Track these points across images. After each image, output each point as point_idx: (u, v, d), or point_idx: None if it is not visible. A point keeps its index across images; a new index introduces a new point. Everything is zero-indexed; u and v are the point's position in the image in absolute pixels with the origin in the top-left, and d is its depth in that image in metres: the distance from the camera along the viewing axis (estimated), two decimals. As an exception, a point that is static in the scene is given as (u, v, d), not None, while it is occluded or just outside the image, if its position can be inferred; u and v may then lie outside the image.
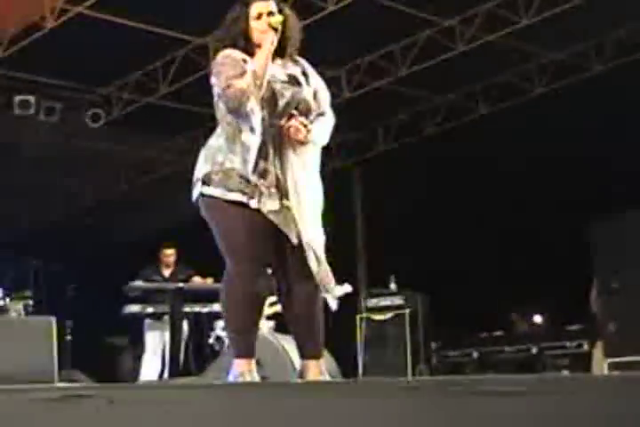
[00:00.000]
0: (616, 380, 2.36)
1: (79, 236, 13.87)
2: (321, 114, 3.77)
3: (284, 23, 3.71)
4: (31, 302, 7.92)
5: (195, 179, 3.68)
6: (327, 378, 3.71)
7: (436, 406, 2.12)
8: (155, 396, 2.09)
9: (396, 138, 12.09)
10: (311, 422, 2.08)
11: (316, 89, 3.78)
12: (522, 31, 9.26)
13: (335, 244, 3.73)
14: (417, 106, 11.56)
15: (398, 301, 9.56)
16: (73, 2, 8.61)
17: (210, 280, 7.94)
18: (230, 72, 3.59)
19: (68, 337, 9.11)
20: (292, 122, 3.61)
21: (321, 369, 3.66)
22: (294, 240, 3.57)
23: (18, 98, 9.96)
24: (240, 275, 3.60)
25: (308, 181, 3.64)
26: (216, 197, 3.59)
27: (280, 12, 3.73)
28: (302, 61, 3.83)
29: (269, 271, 3.72)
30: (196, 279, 8.35)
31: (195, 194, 3.68)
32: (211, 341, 7.17)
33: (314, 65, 3.85)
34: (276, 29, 3.66)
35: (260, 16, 3.69)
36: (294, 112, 3.64)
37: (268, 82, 3.61)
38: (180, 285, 7.93)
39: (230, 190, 3.57)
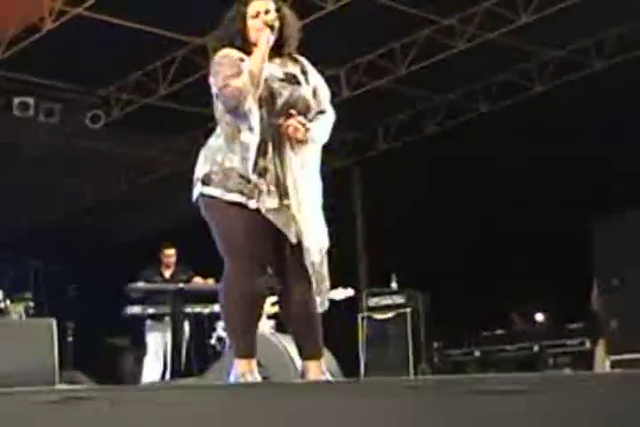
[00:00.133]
0: (618, 378, 2.35)
1: (79, 236, 13.87)
2: (321, 112, 3.77)
3: (282, 22, 3.70)
4: (32, 304, 7.92)
5: (195, 179, 3.68)
6: (328, 378, 3.70)
7: (438, 405, 2.12)
8: (156, 397, 2.09)
9: (395, 137, 12.08)
10: (312, 422, 2.07)
11: (315, 87, 3.77)
12: (521, 29, 9.26)
13: (335, 243, 3.72)
14: (417, 105, 11.55)
15: (399, 300, 9.54)
16: (72, 3, 8.60)
17: (211, 281, 7.92)
18: (227, 71, 3.59)
19: (70, 338, 9.11)
20: (291, 121, 3.60)
21: (322, 369, 3.65)
22: (293, 240, 3.56)
23: (17, 100, 9.95)
24: (239, 275, 3.59)
25: (308, 179, 3.64)
26: (215, 198, 3.59)
27: (278, 10, 3.73)
28: (302, 60, 3.82)
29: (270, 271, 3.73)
30: (197, 280, 8.34)
31: (195, 194, 3.68)
32: (212, 341, 7.16)
33: (313, 64, 3.84)
34: (272, 27, 3.66)
35: (257, 15, 3.69)
36: (293, 111, 3.63)
37: (266, 81, 3.60)
38: (181, 285, 7.92)
39: (229, 191, 3.56)
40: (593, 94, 9.56)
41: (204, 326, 7.57)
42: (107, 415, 1.98)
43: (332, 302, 3.72)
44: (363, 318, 9.59)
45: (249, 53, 3.66)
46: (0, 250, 10.73)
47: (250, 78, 3.55)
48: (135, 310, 8.07)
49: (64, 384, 5.60)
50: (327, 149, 3.84)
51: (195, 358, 7.59)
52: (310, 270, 3.57)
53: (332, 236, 3.68)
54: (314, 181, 3.67)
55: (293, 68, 3.76)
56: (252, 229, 3.55)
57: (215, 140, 3.69)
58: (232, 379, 3.60)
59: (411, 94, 11.14)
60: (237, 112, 3.56)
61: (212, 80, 3.66)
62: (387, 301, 9.62)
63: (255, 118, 3.56)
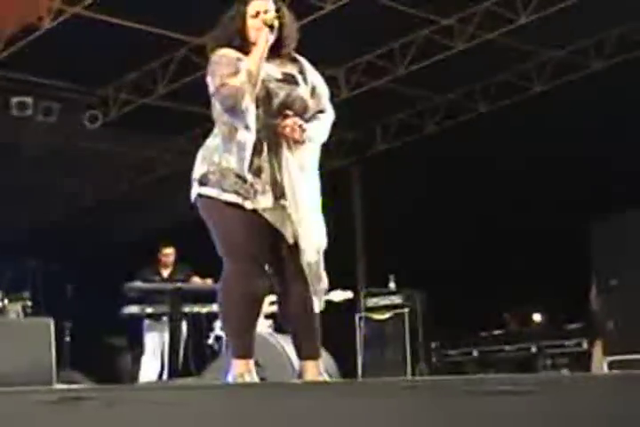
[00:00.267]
0: (616, 379, 2.35)
1: (79, 236, 13.86)
2: (320, 111, 3.76)
3: (281, 22, 3.70)
4: (29, 304, 7.92)
5: (192, 179, 3.68)
6: (326, 378, 3.70)
7: (436, 405, 2.12)
8: (154, 397, 2.09)
9: (395, 137, 12.08)
10: (311, 422, 2.07)
11: (314, 85, 3.77)
12: (521, 29, 9.26)
13: (334, 243, 3.72)
14: (416, 105, 11.55)
15: (398, 300, 9.54)
16: (70, 2, 8.59)
17: (209, 280, 7.91)
18: (225, 70, 3.59)
19: (67, 338, 9.10)
20: (287, 121, 3.60)
21: (320, 369, 3.65)
22: (290, 240, 3.57)
23: (15, 100, 9.94)
24: (239, 275, 3.59)
25: (306, 180, 3.63)
26: (213, 198, 3.59)
27: (278, 10, 3.72)
28: (301, 59, 3.82)
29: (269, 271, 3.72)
30: (195, 279, 8.33)
31: (193, 194, 3.68)
32: (210, 341, 7.15)
33: (312, 64, 3.84)
34: (271, 27, 3.66)
35: (257, 14, 3.69)
36: (289, 112, 3.63)
37: (263, 81, 3.60)
38: (179, 285, 7.91)
39: (226, 191, 3.56)
40: (592, 94, 9.56)
41: (201, 325, 7.55)
42: (104, 415, 1.97)
43: (330, 302, 3.72)
44: (361, 319, 9.59)
45: (247, 53, 3.66)
46: (-1, 250, 10.72)
47: (248, 77, 3.55)
48: (133, 309, 8.05)
49: (61, 384, 5.60)
50: (326, 149, 3.84)
51: (192, 357, 7.57)
52: (307, 271, 3.57)
53: (331, 236, 3.67)
54: (312, 182, 3.67)
55: (292, 69, 3.76)
56: (249, 229, 3.55)
57: (212, 141, 3.69)
58: (230, 379, 3.59)
59: (410, 94, 11.13)
60: (235, 111, 3.55)
61: (209, 79, 3.66)
62: (385, 301, 9.61)
63: (252, 117, 3.56)
